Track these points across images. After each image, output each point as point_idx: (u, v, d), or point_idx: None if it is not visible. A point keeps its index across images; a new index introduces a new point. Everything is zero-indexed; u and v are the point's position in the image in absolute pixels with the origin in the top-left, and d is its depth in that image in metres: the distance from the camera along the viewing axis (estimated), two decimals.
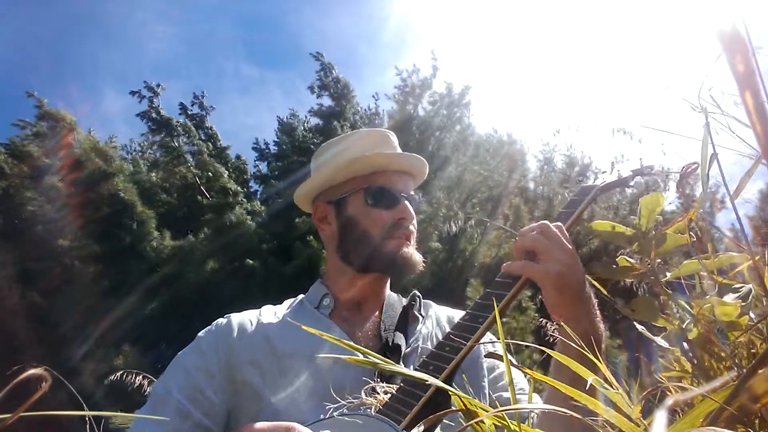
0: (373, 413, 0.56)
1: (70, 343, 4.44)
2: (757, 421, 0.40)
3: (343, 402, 0.60)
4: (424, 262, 1.00)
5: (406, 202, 0.99)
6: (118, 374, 2.67)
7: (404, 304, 1.02)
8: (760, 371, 0.27)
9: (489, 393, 0.91)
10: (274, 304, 1.03)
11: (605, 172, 0.87)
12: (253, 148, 8.62)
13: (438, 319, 1.01)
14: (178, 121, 6.65)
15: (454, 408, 0.36)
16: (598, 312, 0.71)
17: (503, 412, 0.31)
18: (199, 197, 6.29)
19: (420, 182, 1.11)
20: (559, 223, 0.75)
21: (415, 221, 1.01)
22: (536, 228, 0.75)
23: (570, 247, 0.72)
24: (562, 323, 0.66)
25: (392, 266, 0.96)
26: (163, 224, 5.81)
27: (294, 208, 5.85)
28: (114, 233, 5.56)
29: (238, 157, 8.37)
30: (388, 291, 1.05)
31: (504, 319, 5.16)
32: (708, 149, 0.41)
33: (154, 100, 6.52)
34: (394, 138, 1.09)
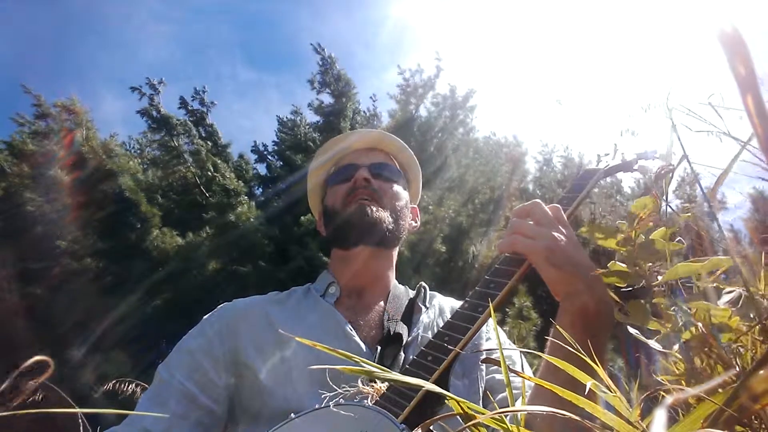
0: (369, 404, 0.56)
1: (70, 342, 4.44)
2: (756, 422, 0.40)
3: (339, 390, 0.59)
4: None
5: (365, 168, 1.01)
6: (111, 384, 2.65)
7: (411, 296, 1.02)
8: (761, 372, 0.27)
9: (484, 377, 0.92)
10: (281, 291, 1.04)
11: (608, 155, 0.85)
12: (252, 150, 8.60)
13: (441, 308, 1.02)
14: (178, 120, 6.60)
15: (448, 404, 0.36)
16: (604, 289, 0.66)
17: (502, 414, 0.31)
18: (199, 197, 6.28)
19: (400, 155, 1.12)
20: (557, 205, 0.74)
21: (385, 185, 1.02)
22: (523, 211, 0.73)
23: (559, 225, 0.70)
24: (561, 300, 0.66)
25: (352, 226, 0.97)
26: (164, 222, 5.82)
27: (294, 209, 5.85)
28: (118, 231, 5.57)
29: (241, 156, 8.34)
30: (393, 281, 1.05)
31: (505, 310, 5.18)
32: (672, 154, 0.41)
33: (155, 97, 6.47)
34: (380, 133, 1.11)
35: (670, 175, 0.57)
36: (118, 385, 2.60)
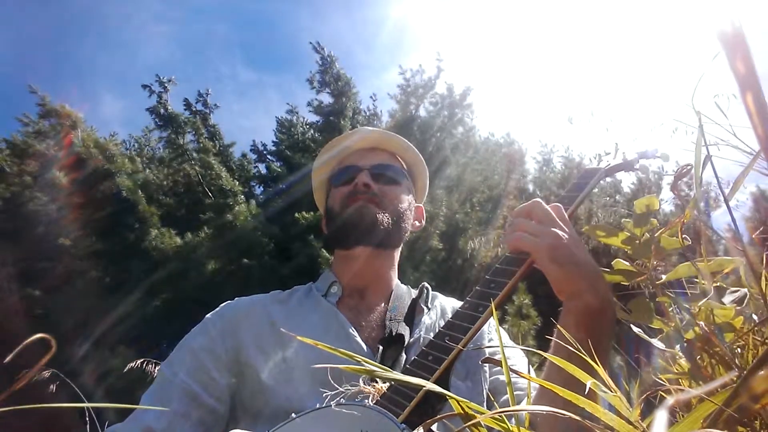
0: (370, 404, 0.56)
1: (71, 343, 4.44)
2: (757, 422, 0.40)
3: (341, 389, 0.59)
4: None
5: (366, 171, 1.01)
6: (139, 362, 2.68)
7: (413, 296, 1.02)
8: (761, 372, 0.27)
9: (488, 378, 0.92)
10: (282, 290, 1.04)
11: (609, 154, 0.84)
12: (251, 150, 8.59)
13: (443, 309, 1.01)
14: (186, 118, 6.62)
15: (449, 404, 0.36)
16: (607, 288, 0.66)
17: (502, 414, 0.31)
18: (202, 196, 6.29)
19: (404, 153, 1.12)
20: (557, 204, 0.74)
21: (386, 188, 1.02)
22: (524, 210, 0.73)
23: (562, 224, 0.70)
24: (565, 299, 0.65)
25: (351, 228, 0.97)
26: (163, 222, 5.81)
27: (294, 208, 5.84)
28: (117, 231, 5.57)
29: (243, 156, 8.35)
30: (396, 281, 1.05)
31: (505, 307, 5.18)
32: (701, 151, 0.41)
33: (163, 95, 6.50)
34: (383, 132, 1.10)
35: (692, 177, 0.57)
36: (145, 364, 2.64)
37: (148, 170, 6.95)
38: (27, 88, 5.61)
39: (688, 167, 0.56)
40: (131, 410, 0.83)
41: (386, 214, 0.99)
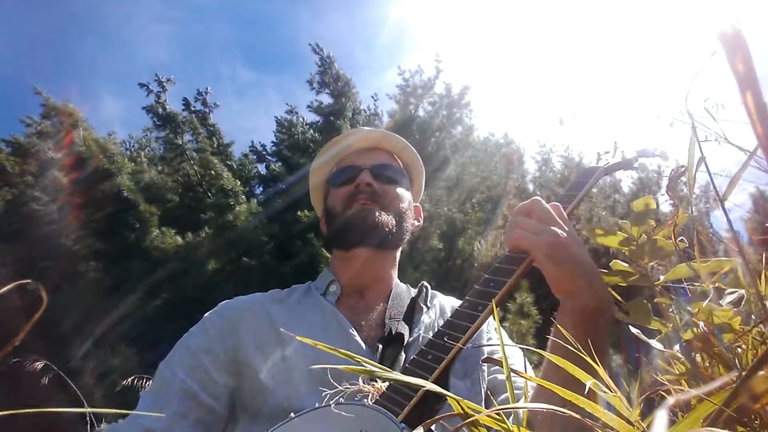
0: (369, 403, 0.56)
1: (71, 342, 4.44)
2: (757, 422, 0.40)
3: (340, 388, 0.59)
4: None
5: (366, 171, 1.01)
6: (130, 379, 2.69)
7: (413, 295, 1.01)
8: (761, 372, 0.27)
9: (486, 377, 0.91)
10: (282, 289, 1.03)
11: (608, 153, 0.83)
12: (250, 150, 8.59)
13: (442, 308, 1.01)
14: (185, 117, 6.60)
15: (448, 403, 0.36)
16: (605, 288, 0.66)
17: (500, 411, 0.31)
18: (202, 195, 6.29)
19: (402, 153, 1.12)
20: (556, 203, 0.74)
21: (387, 187, 1.02)
22: (523, 208, 0.73)
23: (561, 222, 0.69)
24: (562, 299, 0.65)
25: (352, 229, 0.97)
26: (163, 222, 5.81)
27: (294, 207, 5.83)
28: (117, 231, 5.57)
29: (245, 156, 8.34)
30: (395, 280, 1.05)
31: (507, 304, 5.17)
32: (695, 153, 0.41)
33: (162, 95, 6.49)
34: (383, 132, 1.11)
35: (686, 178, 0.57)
36: (136, 381, 2.64)
37: (152, 170, 6.96)
38: (32, 89, 5.63)
39: (683, 168, 0.56)
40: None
41: (389, 215, 0.98)
